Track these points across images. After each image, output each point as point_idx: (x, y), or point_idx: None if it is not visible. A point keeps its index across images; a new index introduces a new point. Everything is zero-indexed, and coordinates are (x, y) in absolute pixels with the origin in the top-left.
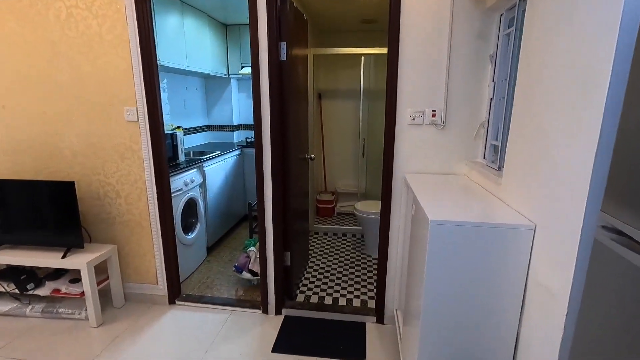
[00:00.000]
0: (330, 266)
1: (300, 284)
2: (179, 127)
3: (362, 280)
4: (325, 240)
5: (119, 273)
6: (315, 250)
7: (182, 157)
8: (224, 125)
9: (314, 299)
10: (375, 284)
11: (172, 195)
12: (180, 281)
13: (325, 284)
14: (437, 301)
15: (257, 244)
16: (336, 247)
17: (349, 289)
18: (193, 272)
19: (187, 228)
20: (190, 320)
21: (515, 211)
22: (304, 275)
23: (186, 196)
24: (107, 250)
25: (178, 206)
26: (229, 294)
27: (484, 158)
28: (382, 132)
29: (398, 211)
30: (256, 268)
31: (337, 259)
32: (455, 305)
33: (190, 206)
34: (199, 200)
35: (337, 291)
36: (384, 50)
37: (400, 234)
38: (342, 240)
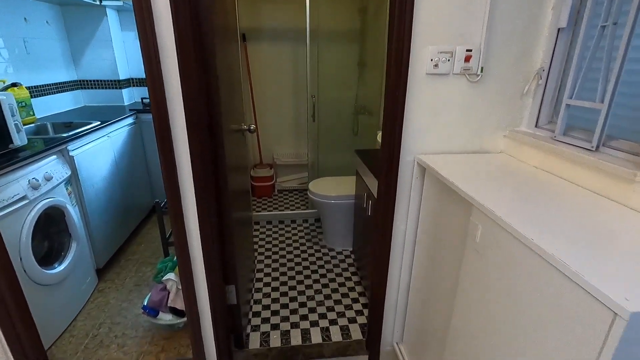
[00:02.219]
0: (285, 273)
1: (251, 313)
2: (15, 85)
3: (333, 290)
4: (270, 233)
5: None
6: (260, 250)
7: (20, 139)
8: (104, 81)
9: (275, 338)
10: (351, 294)
11: (3, 211)
12: (50, 345)
13: (285, 305)
14: None
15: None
16: (287, 243)
17: (319, 309)
18: (75, 318)
19: (51, 256)
20: None
21: None
22: (252, 296)
23: (39, 206)
24: None
25: (22, 227)
26: (140, 350)
27: (536, 127)
28: (338, 86)
29: (404, 211)
30: (180, 304)
31: (291, 259)
32: None
33: (52, 220)
34: (68, 206)
35: (304, 316)
36: None
37: (408, 242)
38: (292, 229)
